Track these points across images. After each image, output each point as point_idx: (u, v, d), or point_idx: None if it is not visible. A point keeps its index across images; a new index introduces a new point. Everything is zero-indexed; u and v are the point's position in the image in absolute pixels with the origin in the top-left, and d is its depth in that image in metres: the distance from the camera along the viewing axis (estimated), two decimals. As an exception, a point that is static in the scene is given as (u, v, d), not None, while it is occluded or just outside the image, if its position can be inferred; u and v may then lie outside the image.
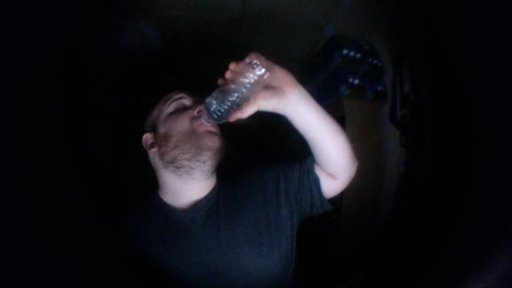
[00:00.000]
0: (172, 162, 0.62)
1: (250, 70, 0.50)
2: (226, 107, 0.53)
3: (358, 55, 1.45)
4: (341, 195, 1.35)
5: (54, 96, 0.78)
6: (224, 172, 0.70)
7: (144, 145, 0.67)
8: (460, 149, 0.75)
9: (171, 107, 0.66)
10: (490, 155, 0.58)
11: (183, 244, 0.62)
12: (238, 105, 0.53)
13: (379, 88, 1.43)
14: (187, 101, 0.67)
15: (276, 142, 1.48)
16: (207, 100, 0.55)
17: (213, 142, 0.61)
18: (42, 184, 0.62)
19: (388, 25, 1.33)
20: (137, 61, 1.48)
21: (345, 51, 1.43)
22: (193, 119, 0.63)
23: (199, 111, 0.62)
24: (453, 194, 0.72)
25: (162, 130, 0.64)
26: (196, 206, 0.64)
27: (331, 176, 0.64)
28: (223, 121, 0.56)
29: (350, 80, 1.40)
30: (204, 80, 0.58)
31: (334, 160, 0.62)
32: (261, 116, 0.57)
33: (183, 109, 0.66)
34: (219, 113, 0.54)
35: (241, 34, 1.44)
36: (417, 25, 1.00)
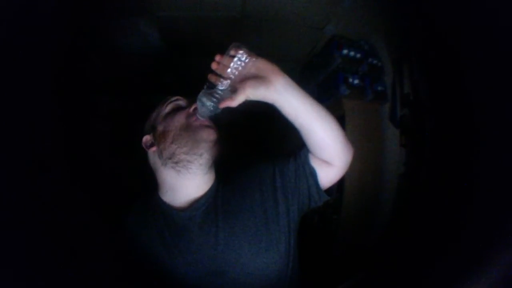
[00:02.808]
0: (170, 157, 0.63)
1: (234, 59, 0.54)
2: (218, 96, 0.56)
3: (358, 55, 1.44)
4: (341, 195, 1.36)
5: (54, 97, 0.78)
6: (222, 170, 0.71)
7: (144, 146, 0.69)
8: (460, 149, 0.75)
9: (168, 108, 0.69)
10: (490, 155, 0.58)
11: (183, 243, 0.62)
12: (228, 95, 0.56)
13: (379, 88, 1.42)
14: (183, 103, 0.70)
15: (272, 139, 1.48)
16: (199, 95, 0.58)
17: (209, 135, 0.63)
18: (43, 185, 0.62)
19: (388, 25, 1.33)
20: (137, 61, 1.48)
21: (345, 51, 1.43)
22: (189, 115, 0.65)
23: (194, 109, 0.64)
24: (453, 194, 0.72)
25: (160, 128, 0.66)
26: (195, 205, 0.65)
27: (327, 163, 0.64)
28: (217, 111, 0.59)
29: (350, 80, 1.40)
30: (204, 80, 0.59)
31: (327, 144, 0.61)
32: (254, 113, 0.58)
33: (179, 108, 0.68)
34: (212, 103, 0.57)
35: (241, 34, 1.44)
36: (417, 25, 1.00)
